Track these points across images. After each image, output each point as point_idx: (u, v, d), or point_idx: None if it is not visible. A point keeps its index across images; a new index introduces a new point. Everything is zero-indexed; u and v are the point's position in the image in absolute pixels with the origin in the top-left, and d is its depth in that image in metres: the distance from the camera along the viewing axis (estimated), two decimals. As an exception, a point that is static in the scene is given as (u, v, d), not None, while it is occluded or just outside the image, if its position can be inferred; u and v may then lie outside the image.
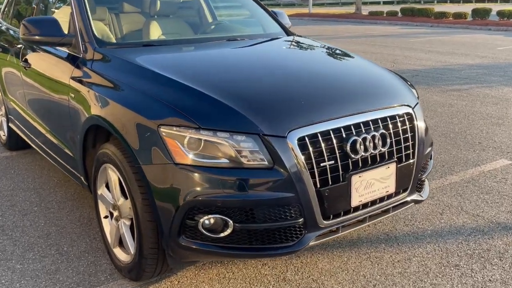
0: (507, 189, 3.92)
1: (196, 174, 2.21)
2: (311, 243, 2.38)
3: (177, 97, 2.40)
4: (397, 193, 2.66)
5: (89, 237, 3.20)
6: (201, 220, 2.23)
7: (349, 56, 3.43)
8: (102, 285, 2.70)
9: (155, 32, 3.59)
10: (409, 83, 3.15)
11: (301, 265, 2.88)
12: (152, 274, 2.56)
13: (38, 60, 3.62)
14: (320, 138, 2.32)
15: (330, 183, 2.33)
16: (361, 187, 2.43)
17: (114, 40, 3.38)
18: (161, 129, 2.26)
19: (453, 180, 4.13)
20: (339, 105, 2.53)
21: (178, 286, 2.68)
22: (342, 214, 2.44)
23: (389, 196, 2.61)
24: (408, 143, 2.66)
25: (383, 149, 2.51)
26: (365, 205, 2.51)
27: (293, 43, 3.68)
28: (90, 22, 3.15)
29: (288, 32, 3.97)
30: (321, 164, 2.30)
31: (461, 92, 7.69)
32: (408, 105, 2.75)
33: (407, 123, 2.67)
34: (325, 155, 2.32)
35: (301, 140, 2.27)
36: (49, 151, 3.61)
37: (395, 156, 2.58)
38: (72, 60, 3.10)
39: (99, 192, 2.85)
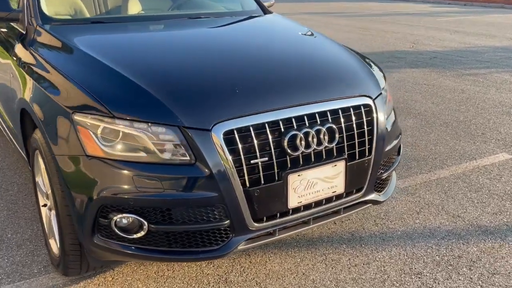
0: (500, 187, 3.59)
1: (108, 169, 2.00)
2: (240, 247, 2.16)
3: (97, 82, 2.18)
4: (348, 193, 2.40)
5: (37, 223, 3.06)
6: (114, 219, 2.04)
7: (315, 38, 3.12)
8: (33, 277, 2.56)
9: (129, 7, 3.39)
10: (375, 69, 2.82)
11: (248, 265, 2.67)
12: (78, 271, 2.39)
13: None
14: (252, 132, 2.07)
15: (263, 182, 2.09)
16: (300, 187, 2.18)
17: (87, 16, 3.22)
18: (75, 117, 2.06)
19: (442, 175, 3.82)
20: (282, 94, 2.26)
21: (112, 282, 2.51)
22: (278, 216, 2.20)
23: (339, 197, 2.36)
24: (363, 139, 2.38)
25: (329, 145, 2.24)
26: (307, 207, 2.27)
27: (259, 23, 3.39)
28: None
29: (265, 11, 3.68)
30: (252, 161, 2.06)
31: (478, 76, 7.20)
32: (367, 96, 2.46)
33: (363, 116, 2.39)
34: (257, 151, 2.07)
35: (228, 134, 2.03)
36: (8, 132, 3.48)
37: (346, 153, 2.31)
38: (19, 37, 2.92)
39: (36, 179, 2.69)
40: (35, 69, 2.51)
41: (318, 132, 2.20)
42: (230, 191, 2.03)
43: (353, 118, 2.34)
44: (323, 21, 14.49)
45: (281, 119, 2.14)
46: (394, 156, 2.70)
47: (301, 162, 2.18)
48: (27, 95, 2.45)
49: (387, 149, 2.52)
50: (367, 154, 2.40)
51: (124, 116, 2.01)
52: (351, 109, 2.35)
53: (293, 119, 2.17)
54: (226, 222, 2.08)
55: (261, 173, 2.09)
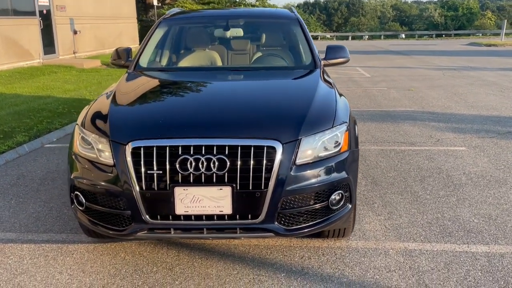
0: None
1: (76, 161, 3.12)
2: (140, 234, 2.94)
3: (101, 105, 3.44)
4: (242, 216, 2.85)
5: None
6: (73, 194, 3.14)
7: (301, 91, 3.65)
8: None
9: (190, 60, 4.69)
10: (315, 119, 3.12)
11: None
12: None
13: None
14: (154, 151, 2.84)
15: (156, 188, 2.84)
16: (186, 199, 2.82)
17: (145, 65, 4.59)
18: (76, 125, 3.28)
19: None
20: (197, 128, 2.96)
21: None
22: (171, 218, 2.88)
23: (230, 217, 2.85)
24: (260, 174, 2.81)
25: (218, 172, 2.79)
26: (198, 218, 2.86)
27: (279, 77, 4.20)
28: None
29: (316, 65, 4.23)
30: (148, 172, 2.84)
31: None
32: (276, 139, 2.86)
33: (264, 155, 2.81)
34: (155, 165, 2.83)
35: (136, 149, 2.86)
36: None
37: (238, 182, 2.80)
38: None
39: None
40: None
41: (208, 160, 2.79)
42: (129, 189, 2.85)
43: (252, 155, 2.81)
44: None
45: (181, 145, 2.84)
46: (311, 201, 2.95)
47: (191, 180, 2.82)
48: None
49: (288, 188, 2.84)
50: (262, 187, 2.82)
51: (89, 129, 3.12)
52: (252, 148, 2.82)
53: (192, 147, 2.83)
54: (127, 211, 2.91)
55: (155, 182, 2.84)
